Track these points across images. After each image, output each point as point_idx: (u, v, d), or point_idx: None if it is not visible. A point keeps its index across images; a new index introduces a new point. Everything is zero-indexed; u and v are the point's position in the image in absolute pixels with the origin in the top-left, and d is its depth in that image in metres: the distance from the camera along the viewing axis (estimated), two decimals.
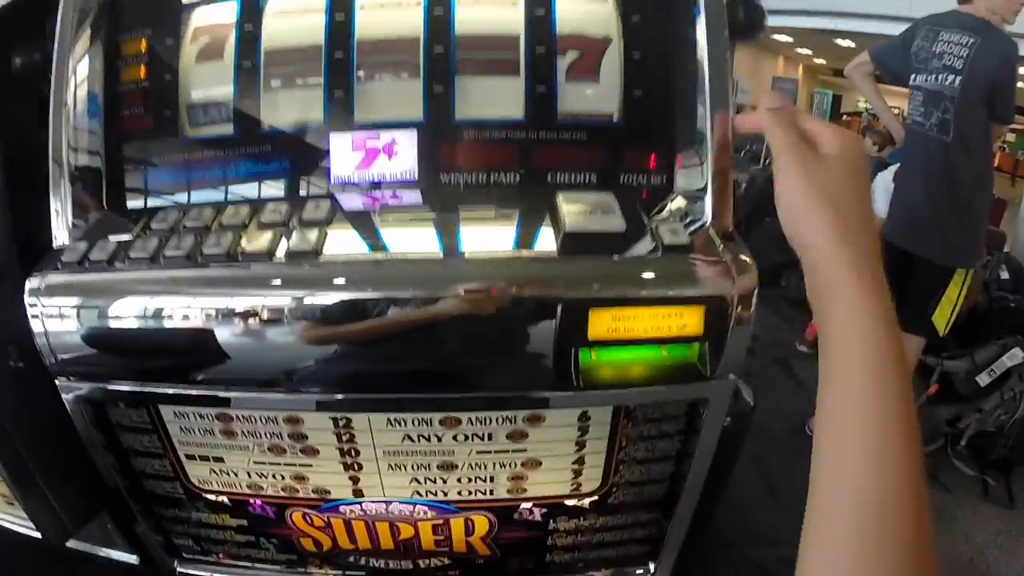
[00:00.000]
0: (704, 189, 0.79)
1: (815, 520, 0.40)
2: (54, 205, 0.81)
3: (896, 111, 2.28)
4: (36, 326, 0.75)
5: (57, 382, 0.79)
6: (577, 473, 0.83)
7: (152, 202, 0.85)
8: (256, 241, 0.73)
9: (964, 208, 1.78)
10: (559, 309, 0.69)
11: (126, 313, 0.74)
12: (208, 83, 0.83)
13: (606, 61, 0.82)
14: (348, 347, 0.71)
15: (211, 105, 0.83)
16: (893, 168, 2.88)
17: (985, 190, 1.83)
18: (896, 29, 1.83)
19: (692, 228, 0.75)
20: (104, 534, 1.01)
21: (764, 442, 1.92)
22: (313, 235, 0.72)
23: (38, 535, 0.96)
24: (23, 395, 0.89)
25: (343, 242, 0.74)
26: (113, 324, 0.74)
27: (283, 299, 0.70)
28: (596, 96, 0.82)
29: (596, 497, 0.86)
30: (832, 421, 0.41)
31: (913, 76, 1.78)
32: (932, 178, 1.75)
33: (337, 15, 0.81)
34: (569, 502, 0.86)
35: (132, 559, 1.04)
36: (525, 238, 0.74)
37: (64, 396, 0.80)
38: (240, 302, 0.71)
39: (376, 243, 0.74)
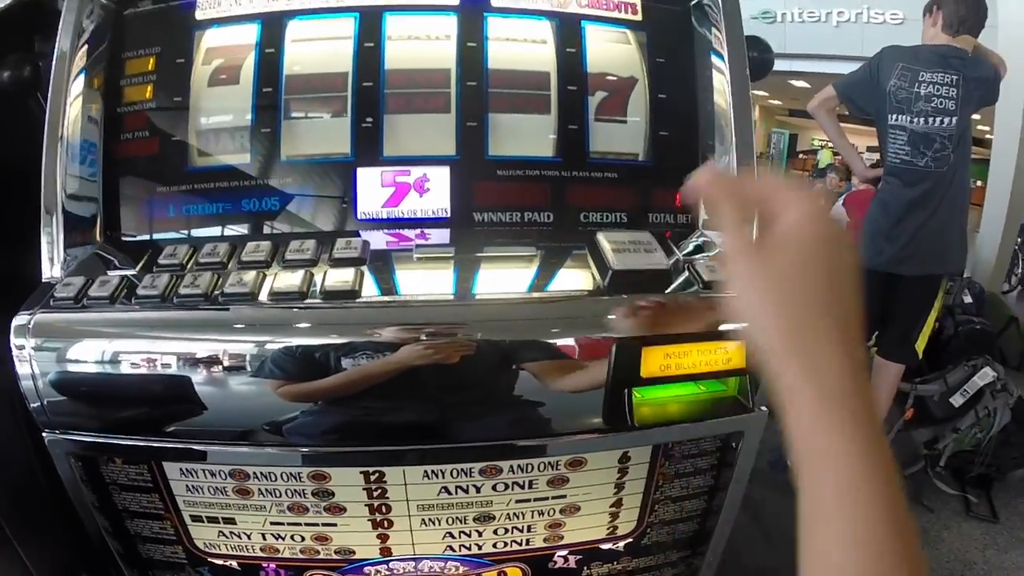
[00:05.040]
0: None
1: None
2: (45, 234, 0.71)
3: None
4: (22, 370, 0.65)
5: (45, 435, 0.68)
6: (614, 516, 0.80)
7: (155, 236, 0.77)
8: (284, 280, 0.68)
9: (958, 213, 1.87)
10: (612, 348, 0.68)
11: (132, 358, 0.65)
12: (222, 108, 0.76)
13: (632, 101, 0.81)
14: (395, 394, 0.67)
15: (225, 132, 0.76)
16: (843, 196, 3.12)
17: (968, 189, 1.93)
18: (849, 68, 1.94)
19: None
20: None
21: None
22: (350, 274, 0.68)
23: None
24: None
25: (382, 282, 0.69)
26: (116, 370, 0.65)
27: (321, 342, 0.65)
28: (624, 135, 0.81)
29: (631, 539, 0.82)
30: (810, 547, 0.35)
31: (894, 116, 1.80)
32: (931, 206, 1.81)
33: (366, 43, 0.76)
34: (604, 546, 0.82)
35: None
36: (570, 278, 0.73)
37: (52, 451, 0.69)
38: (270, 346, 0.66)
39: (419, 284, 0.70)
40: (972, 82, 1.75)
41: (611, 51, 0.82)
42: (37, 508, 0.84)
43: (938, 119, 1.76)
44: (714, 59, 0.82)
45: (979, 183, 3.44)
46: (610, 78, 0.81)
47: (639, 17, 0.82)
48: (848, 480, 0.34)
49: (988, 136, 3.62)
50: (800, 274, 0.37)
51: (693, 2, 0.83)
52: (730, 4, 0.81)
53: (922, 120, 1.78)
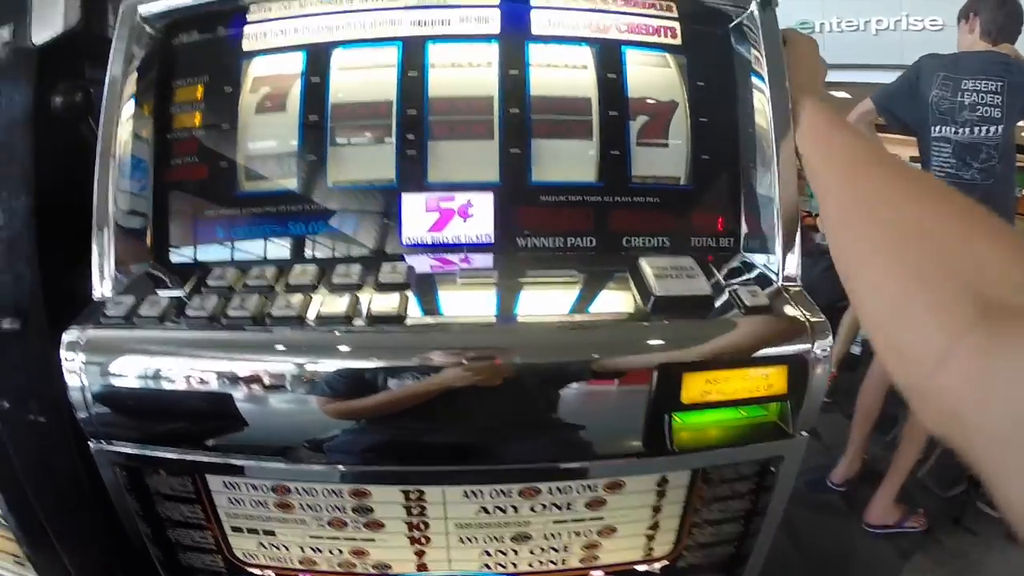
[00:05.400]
0: (772, 250, 0.81)
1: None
2: (95, 255, 0.74)
3: None
4: (72, 383, 0.67)
5: (91, 444, 0.71)
6: (650, 538, 0.80)
7: (201, 257, 0.79)
8: (331, 304, 0.70)
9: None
10: (654, 373, 0.68)
11: (180, 376, 0.67)
12: (269, 135, 0.78)
13: (673, 124, 0.82)
14: (438, 416, 0.68)
15: (272, 158, 0.78)
16: None
17: (1015, 199, 1.94)
18: (890, 77, 1.91)
19: (766, 289, 0.77)
20: None
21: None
22: (395, 300, 0.69)
23: None
24: (42, 451, 0.81)
25: (426, 306, 0.71)
26: (164, 386, 0.67)
27: (366, 366, 0.67)
28: (666, 159, 0.81)
29: (667, 561, 0.82)
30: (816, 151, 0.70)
31: (937, 128, 1.76)
32: None
33: (410, 72, 0.78)
34: (640, 568, 0.82)
35: None
36: (612, 302, 0.74)
37: (98, 460, 0.72)
38: (316, 369, 0.67)
39: (463, 308, 0.71)
40: (1016, 88, 1.71)
41: (651, 75, 0.82)
42: (80, 513, 0.86)
43: (983, 128, 1.72)
44: (754, 80, 0.82)
45: None
46: (651, 102, 0.82)
47: (678, 41, 0.82)
48: (827, 121, 0.71)
49: None
50: (803, 63, 0.80)
51: (732, 24, 0.84)
52: (769, 24, 0.81)
53: (967, 130, 1.74)
